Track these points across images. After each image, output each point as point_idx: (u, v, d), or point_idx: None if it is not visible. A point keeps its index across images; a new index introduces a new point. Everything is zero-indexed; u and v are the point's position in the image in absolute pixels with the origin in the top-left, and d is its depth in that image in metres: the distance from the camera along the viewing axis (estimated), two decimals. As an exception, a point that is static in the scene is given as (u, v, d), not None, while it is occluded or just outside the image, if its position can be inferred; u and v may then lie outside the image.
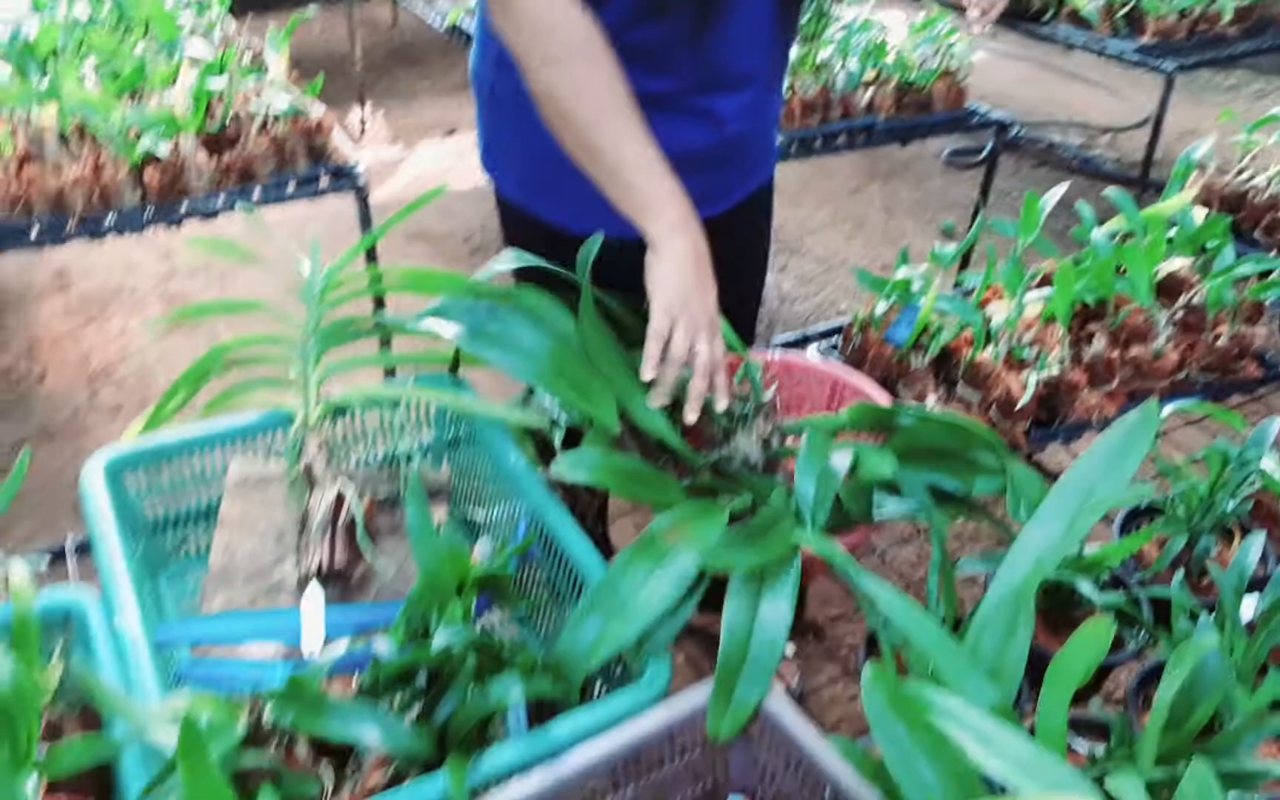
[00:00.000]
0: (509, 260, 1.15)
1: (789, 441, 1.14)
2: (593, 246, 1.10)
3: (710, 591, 0.93)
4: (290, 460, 1.11)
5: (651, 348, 1.04)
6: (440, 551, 0.94)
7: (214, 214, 1.83)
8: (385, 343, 1.29)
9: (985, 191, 2.83)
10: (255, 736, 0.83)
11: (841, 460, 1.02)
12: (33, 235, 1.71)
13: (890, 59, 2.51)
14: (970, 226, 1.50)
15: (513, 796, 0.79)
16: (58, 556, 1.49)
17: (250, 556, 1.09)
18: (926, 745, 0.66)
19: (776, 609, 0.89)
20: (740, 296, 1.36)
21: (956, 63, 2.60)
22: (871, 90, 2.46)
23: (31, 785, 0.78)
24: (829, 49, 2.46)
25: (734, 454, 1.13)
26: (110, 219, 1.74)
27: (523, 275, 1.18)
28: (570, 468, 1.00)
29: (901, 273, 1.38)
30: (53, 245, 1.72)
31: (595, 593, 0.91)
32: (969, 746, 0.63)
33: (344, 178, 1.98)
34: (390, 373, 1.89)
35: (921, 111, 2.55)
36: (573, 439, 1.11)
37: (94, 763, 0.80)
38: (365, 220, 2.06)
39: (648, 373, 1.04)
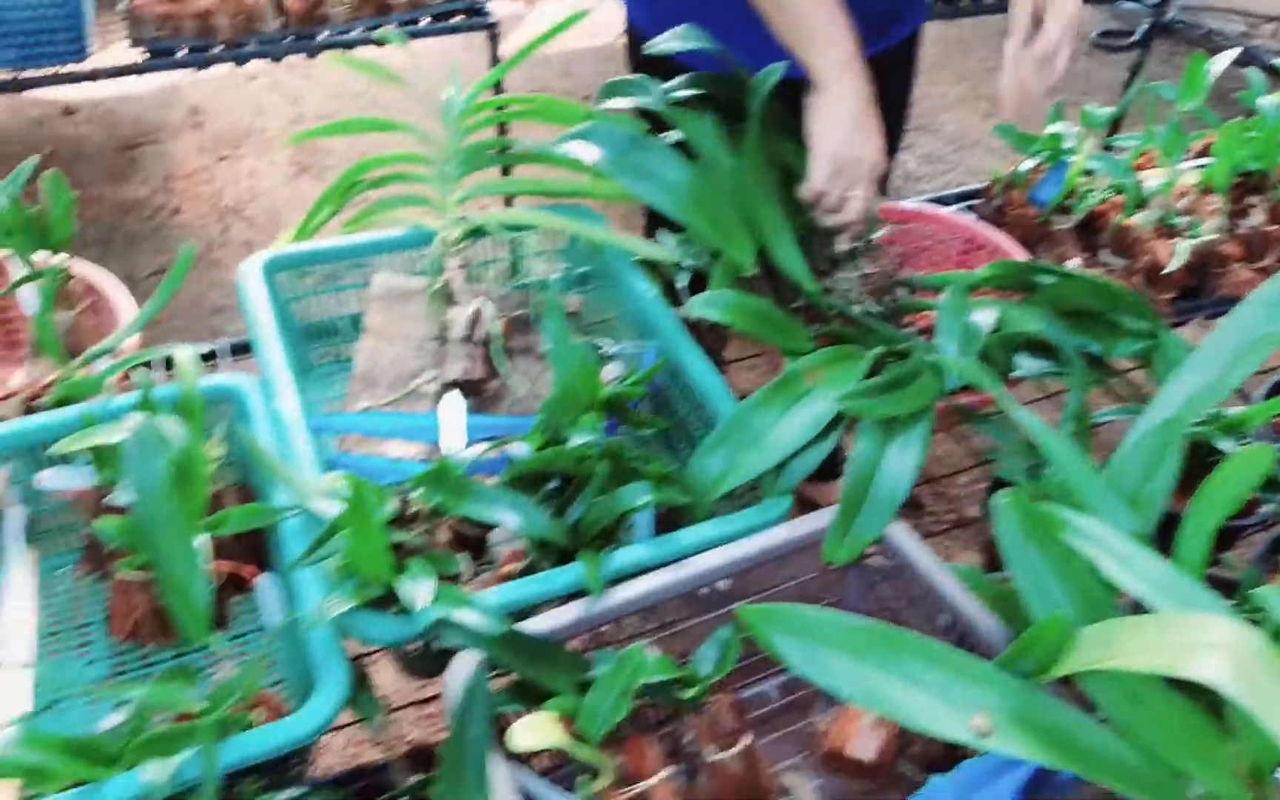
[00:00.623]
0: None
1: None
2: (769, 78, 1.08)
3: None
4: (431, 276, 1.16)
5: (807, 198, 1.03)
6: (577, 362, 0.98)
7: (350, 44, 1.87)
8: (505, 171, 1.31)
9: (1134, 73, 2.69)
10: (401, 520, 0.89)
11: (986, 317, 1.02)
12: (179, 55, 1.77)
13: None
14: (1020, 134, 1.42)
15: (640, 590, 0.84)
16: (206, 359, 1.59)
17: (392, 363, 1.14)
18: (1059, 565, 0.67)
19: (906, 456, 0.91)
20: None
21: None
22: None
23: (201, 543, 0.85)
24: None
25: (835, 285, 1.13)
26: (252, 44, 1.79)
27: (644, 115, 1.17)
28: (705, 306, 1.02)
29: (1052, 128, 1.34)
30: (198, 69, 1.78)
31: (730, 423, 0.94)
32: (1105, 565, 0.64)
33: (476, 16, 1.99)
34: (508, 202, 1.92)
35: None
36: (697, 285, 1.13)
37: (256, 526, 0.87)
38: (494, 61, 2.08)
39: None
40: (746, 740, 0.84)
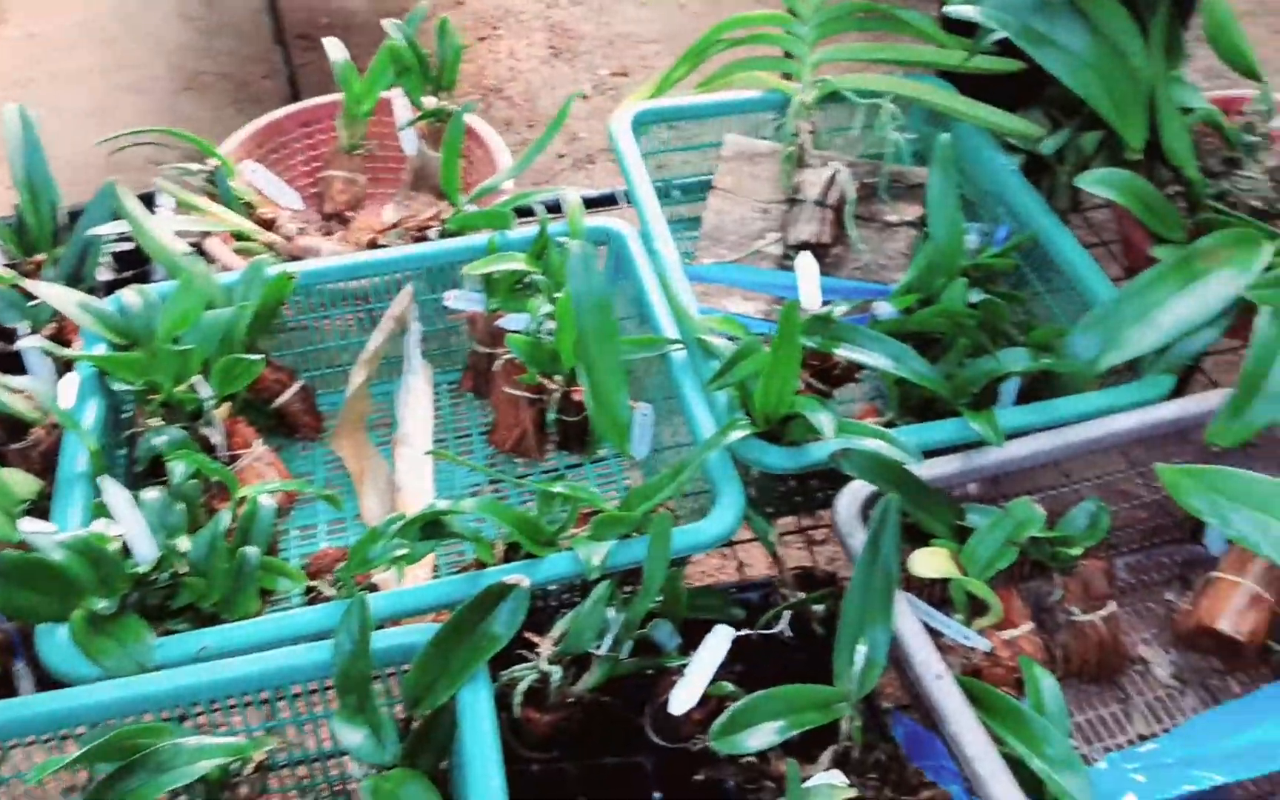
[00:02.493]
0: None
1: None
2: None
3: None
4: (785, 139, 1.21)
5: None
6: (952, 224, 1.01)
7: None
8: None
9: None
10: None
11: None
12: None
13: None
14: None
15: (1026, 450, 0.88)
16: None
17: (739, 222, 1.20)
18: None
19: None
20: None
21: None
22: None
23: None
24: None
25: (1235, 186, 1.10)
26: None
27: None
28: (1098, 183, 1.02)
29: None
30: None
31: (1118, 300, 0.94)
32: None
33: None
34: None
35: None
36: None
37: (652, 354, 0.96)
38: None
39: None
40: (1112, 606, 0.87)
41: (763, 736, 0.69)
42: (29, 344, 0.96)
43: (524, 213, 1.12)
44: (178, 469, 0.82)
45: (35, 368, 0.96)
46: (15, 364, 0.97)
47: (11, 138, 1.06)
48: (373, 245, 1.17)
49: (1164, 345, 0.93)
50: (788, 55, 1.26)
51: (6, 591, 0.71)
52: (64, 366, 0.95)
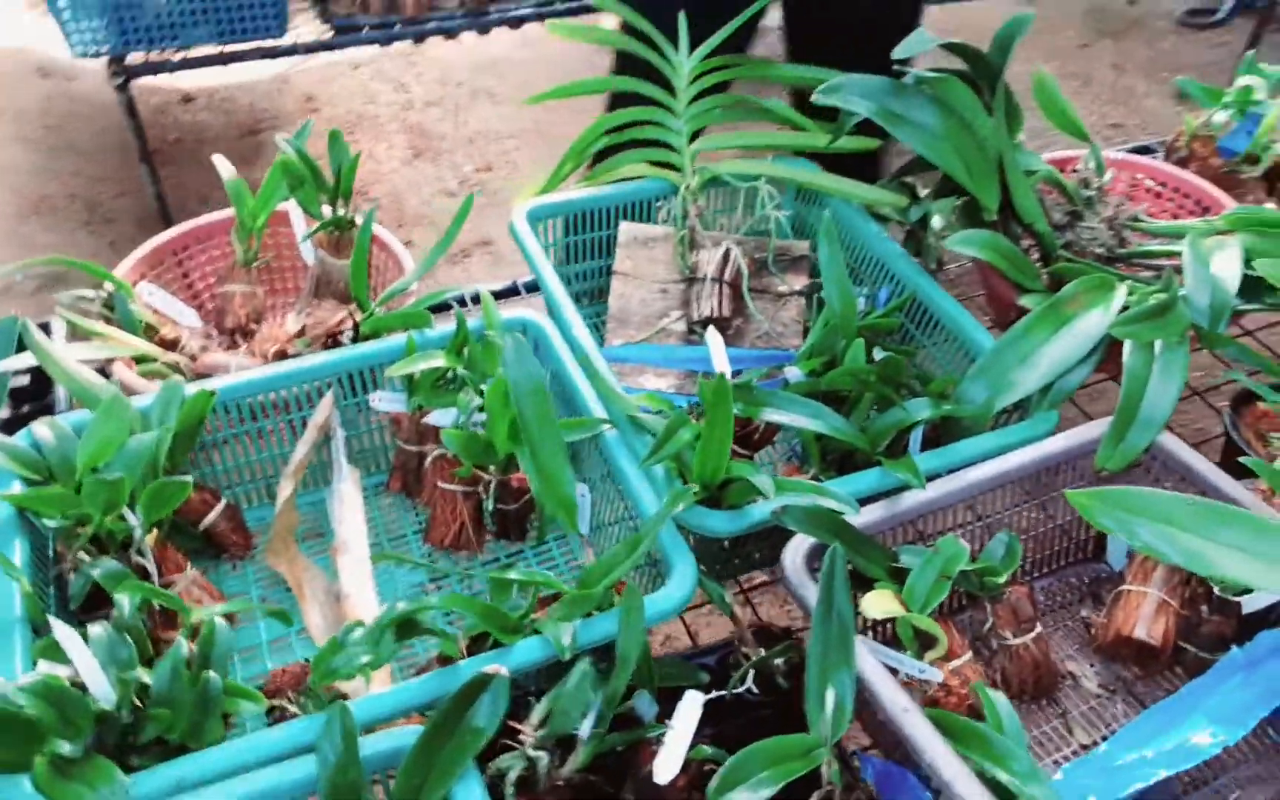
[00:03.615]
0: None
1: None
2: (1014, 34, 1.15)
3: None
4: (676, 224, 1.24)
5: None
6: (845, 292, 1.06)
7: (520, 21, 1.96)
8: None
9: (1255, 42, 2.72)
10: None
11: (1229, 262, 1.06)
12: (364, 32, 1.87)
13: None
14: (1206, 88, 1.48)
15: (935, 494, 0.92)
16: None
17: (642, 303, 1.23)
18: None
19: (1169, 376, 0.97)
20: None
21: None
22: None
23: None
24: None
25: (1079, 236, 1.21)
26: (432, 22, 1.89)
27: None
28: (963, 243, 1.10)
29: (1243, 82, 1.40)
30: (382, 45, 1.88)
31: (1000, 346, 1.01)
32: None
33: None
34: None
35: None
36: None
37: (584, 437, 0.96)
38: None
39: None
40: (1039, 628, 0.92)
41: (754, 791, 0.70)
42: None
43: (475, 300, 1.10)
44: (124, 602, 0.77)
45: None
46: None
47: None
48: (281, 356, 1.13)
49: (1046, 384, 1.00)
50: (667, 146, 1.31)
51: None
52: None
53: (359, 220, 1.21)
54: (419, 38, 1.89)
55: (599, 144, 1.31)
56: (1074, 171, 1.29)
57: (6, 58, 4.04)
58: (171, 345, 1.14)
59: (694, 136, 1.31)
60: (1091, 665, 0.96)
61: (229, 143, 3.49)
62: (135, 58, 1.96)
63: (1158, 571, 0.93)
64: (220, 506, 0.99)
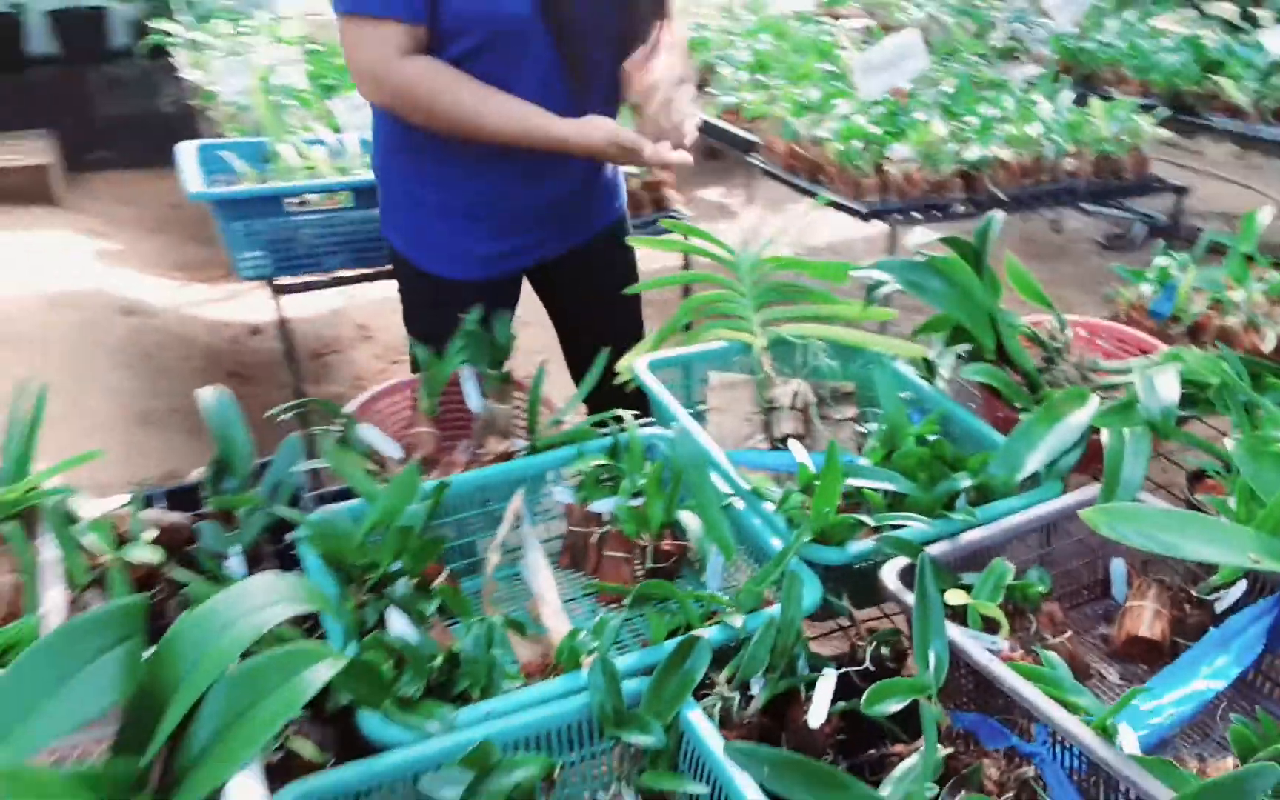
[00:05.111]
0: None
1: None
2: (991, 227, 1.54)
3: None
4: (754, 371, 1.58)
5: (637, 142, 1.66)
6: (899, 408, 1.39)
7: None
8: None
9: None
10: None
11: (1170, 381, 1.41)
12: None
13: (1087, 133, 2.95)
14: (1133, 271, 1.92)
15: (978, 538, 1.22)
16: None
17: (732, 430, 1.55)
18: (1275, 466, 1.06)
19: (1139, 458, 1.29)
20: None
21: (1142, 140, 3.01)
22: (1074, 160, 2.89)
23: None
24: (1036, 124, 2.91)
25: (1055, 375, 1.56)
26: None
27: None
28: (975, 373, 1.44)
29: (1159, 261, 1.80)
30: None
31: (1016, 435, 1.33)
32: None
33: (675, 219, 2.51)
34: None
35: (1113, 177, 2.97)
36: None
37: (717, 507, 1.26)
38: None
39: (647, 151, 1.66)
40: (1068, 633, 1.20)
41: (891, 705, 0.96)
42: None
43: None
44: (428, 606, 1.04)
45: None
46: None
47: (212, 414, 1.28)
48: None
49: (1050, 462, 1.32)
50: (739, 316, 1.66)
51: (348, 682, 0.90)
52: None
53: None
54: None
55: (687, 318, 1.66)
56: (1044, 329, 1.65)
57: (91, 300, 4.45)
58: (382, 467, 1.43)
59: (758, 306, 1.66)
60: (1111, 665, 1.23)
61: (300, 364, 3.87)
62: (283, 280, 2.33)
63: (1152, 590, 1.22)
64: (445, 571, 1.26)
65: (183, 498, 1.32)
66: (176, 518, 1.26)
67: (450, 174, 1.77)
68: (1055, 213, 4.95)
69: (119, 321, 4.22)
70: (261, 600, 0.82)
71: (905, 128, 2.91)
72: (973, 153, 2.78)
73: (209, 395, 1.29)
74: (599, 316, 2.00)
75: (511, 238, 1.86)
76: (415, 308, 1.92)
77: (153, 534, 1.18)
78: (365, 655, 0.95)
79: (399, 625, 0.98)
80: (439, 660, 0.98)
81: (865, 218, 2.72)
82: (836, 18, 5.56)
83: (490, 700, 0.96)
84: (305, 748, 0.92)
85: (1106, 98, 3.33)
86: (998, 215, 1.59)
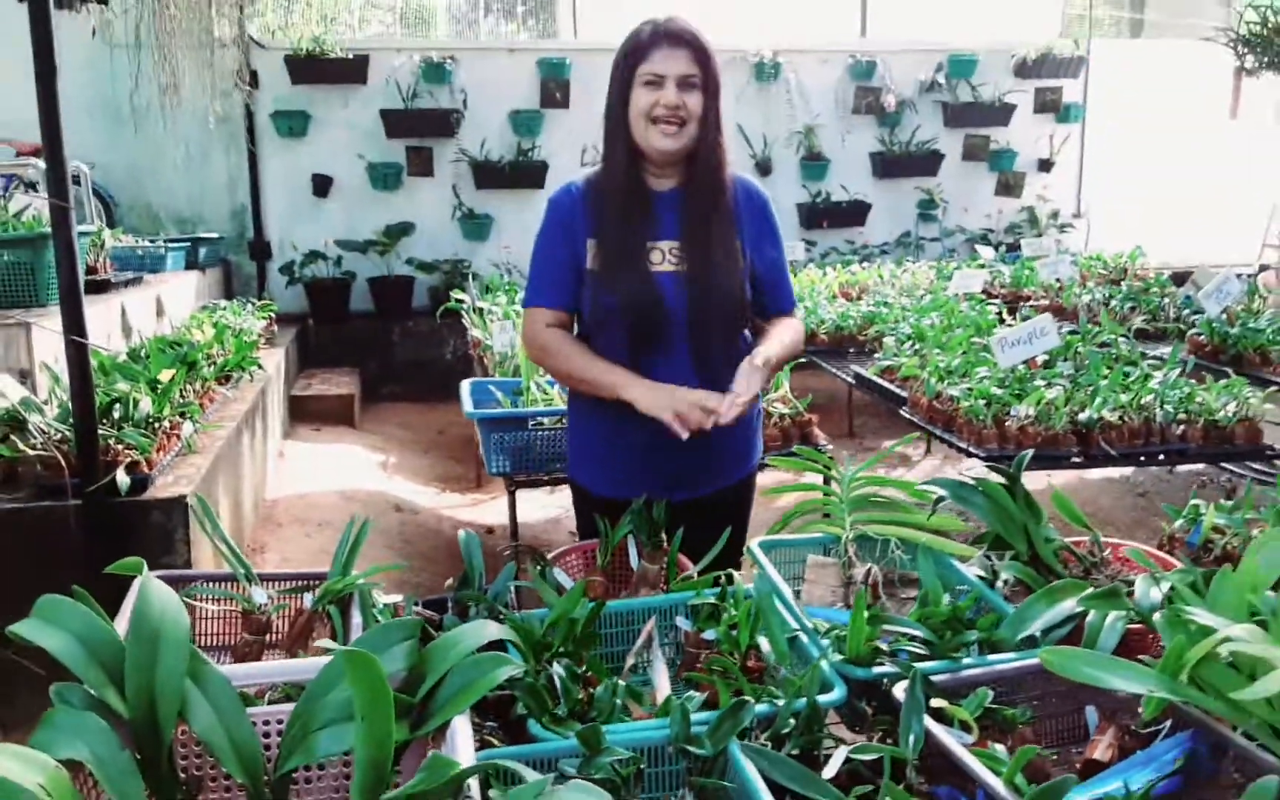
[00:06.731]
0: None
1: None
2: (1021, 464, 1.97)
3: None
4: (840, 556, 2.03)
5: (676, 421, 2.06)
6: (938, 592, 1.80)
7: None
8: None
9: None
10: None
11: (1159, 588, 1.75)
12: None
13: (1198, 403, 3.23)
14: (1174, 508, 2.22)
15: (995, 671, 1.60)
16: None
17: (819, 598, 1.99)
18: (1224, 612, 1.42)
19: (1113, 632, 1.64)
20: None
21: (1254, 411, 3.25)
22: (1183, 427, 3.17)
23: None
24: (1150, 396, 3.23)
25: (1091, 579, 1.91)
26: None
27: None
28: (1007, 569, 1.84)
29: (1193, 501, 2.11)
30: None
31: (1023, 608, 1.71)
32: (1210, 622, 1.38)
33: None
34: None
35: (1226, 443, 3.21)
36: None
37: (787, 637, 1.71)
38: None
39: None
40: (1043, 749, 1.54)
41: (869, 755, 1.36)
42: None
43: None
44: (579, 670, 1.56)
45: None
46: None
47: (463, 546, 1.89)
48: (620, 612, 1.95)
49: (1047, 628, 1.68)
50: (830, 516, 2.13)
51: (525, 701, 1.43)
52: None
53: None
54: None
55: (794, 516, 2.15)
56: (1083, 547, 2.01)
57: (374, 499, 5.39)
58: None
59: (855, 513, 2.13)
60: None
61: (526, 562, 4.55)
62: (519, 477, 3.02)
63: (1110, 729, 1.54)
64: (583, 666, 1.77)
65: (435, 604, 1.92)
66: (431, 613, 1.85)
67: (590, 422, 2.42)
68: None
69: (391, 515, 5.11)
70: (482, 631, 1.37)
71: (1029, 391, 3.31)
72: (1084, 415, 3.14)
73: (463, 534, 1.91)
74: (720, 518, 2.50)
75: (640, 485, 2.24)
76: (577, 509, 2.56)
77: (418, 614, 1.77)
78: (536, 682, 1.47)
79: (562, 676, 1.51)
80: (581, 697, 1.49)
81: (984, 461, 3.11)
82: (1016, 300, 5.98)
83: (613, 727, 1.44)
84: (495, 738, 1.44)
85: (1255, 378, 3.62)
86: (1027, 453, 2.01)
